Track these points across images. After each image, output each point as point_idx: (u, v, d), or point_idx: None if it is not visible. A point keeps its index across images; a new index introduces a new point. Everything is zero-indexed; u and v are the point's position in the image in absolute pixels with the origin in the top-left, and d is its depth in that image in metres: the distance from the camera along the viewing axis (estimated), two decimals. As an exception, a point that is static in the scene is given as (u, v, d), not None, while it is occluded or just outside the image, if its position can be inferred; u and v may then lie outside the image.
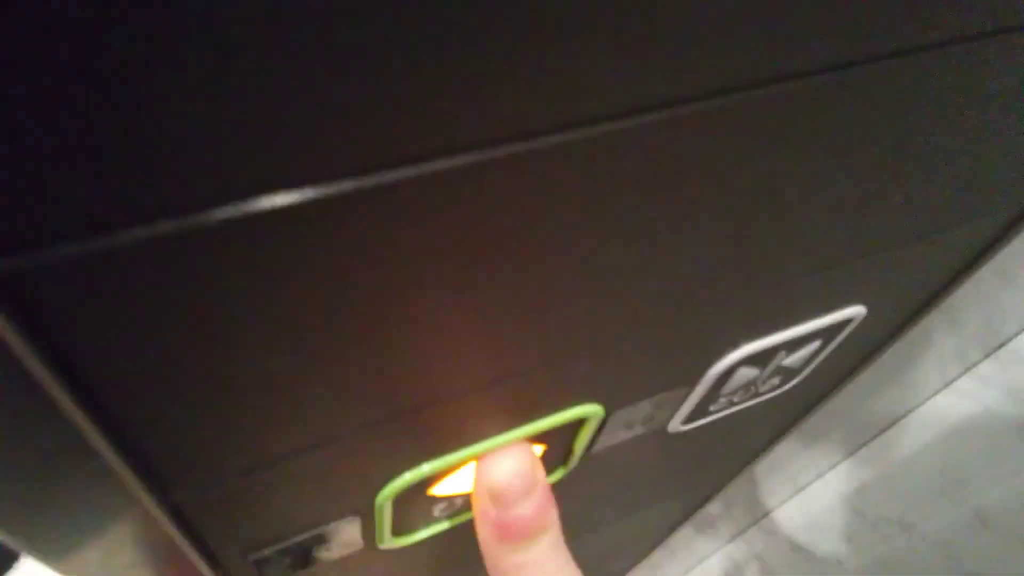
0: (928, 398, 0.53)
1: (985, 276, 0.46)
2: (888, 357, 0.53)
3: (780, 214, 0.18)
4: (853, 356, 0.34)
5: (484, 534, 0.21)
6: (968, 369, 0.50)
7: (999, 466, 0.49)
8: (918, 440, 0.55)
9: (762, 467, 0.67)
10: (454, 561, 0.33)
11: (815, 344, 0.27)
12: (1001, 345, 0.47)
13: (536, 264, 0.15)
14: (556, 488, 0.29)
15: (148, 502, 0.15)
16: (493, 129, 0.11)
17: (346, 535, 0.23)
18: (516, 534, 0.20)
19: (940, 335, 0.50)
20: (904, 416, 0.55)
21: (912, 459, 0.55)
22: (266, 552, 0.21)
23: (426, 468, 0.21)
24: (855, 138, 0.17)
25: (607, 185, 0.14)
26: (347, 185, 0.10)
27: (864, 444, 0.59)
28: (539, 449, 0.25)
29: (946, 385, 0.52)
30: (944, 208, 0.22)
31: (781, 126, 0.15)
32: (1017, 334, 0.46)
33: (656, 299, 0.19)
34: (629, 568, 0.69)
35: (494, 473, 0.20)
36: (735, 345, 0.25)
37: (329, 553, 0.23)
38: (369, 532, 0.24)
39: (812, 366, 0.29)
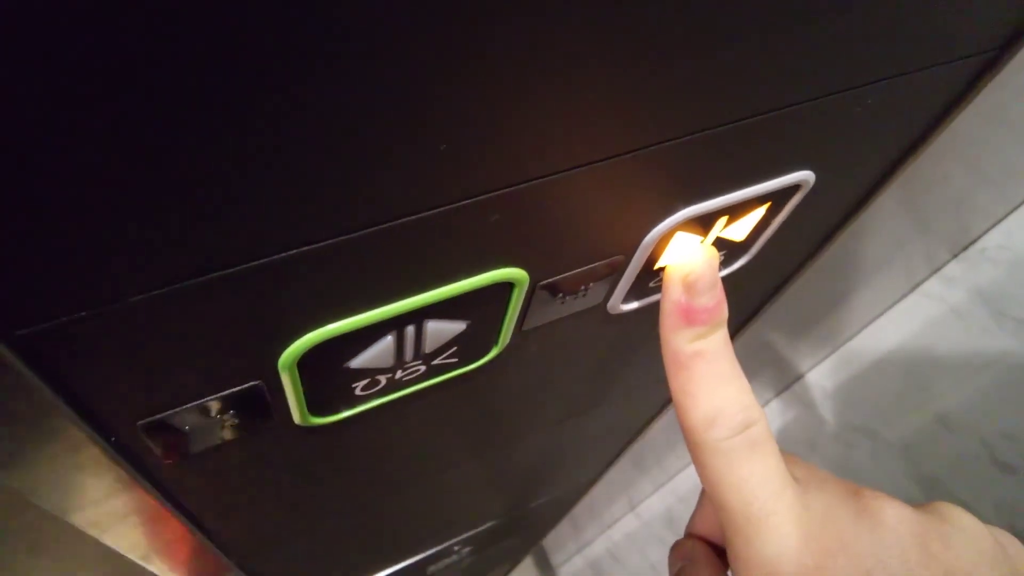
0: (895, 302, 0.52)
1: (957, 173, 0.45)
2: (854, 262, 0.52)
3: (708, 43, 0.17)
4: (807, 234, 0.32)
5: (670, 321, 0.22)
6: (936, 271, 0.49)
7: (961, 368, 0.49)
8: (883, 346, 0.54)
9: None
10: (398, 444, 0.32)
11: (759, 212, 0.25)
12: (969, 244, 0.46)
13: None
14: (496, 369, 0.27)
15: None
16: None
17: (252, 406, 0.21)
18: (699, 320, 0.22)
19: (909, 236, 0.49)
20: (870, 322, 0.55)
21: (876, 365, 0.55)
22: (158, 418, 0.19)
23: (331, 327, 0.20)
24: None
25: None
26: None
27: (829, 354, 0.59)
28: (463, 325, 0.24)
29: (913, 288, 0.51)
30: (885, 52, 0.21)
31: None
32: (985, 232, 0.45)
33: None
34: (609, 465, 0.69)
35: (691, 262, 0.22)
36: (670, 211, 0.23)
37: (238, 426, 0.22)
38: (281, 406, 0.22)
39: (761, 241, 0.28)
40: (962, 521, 0.21)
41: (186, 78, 0.11)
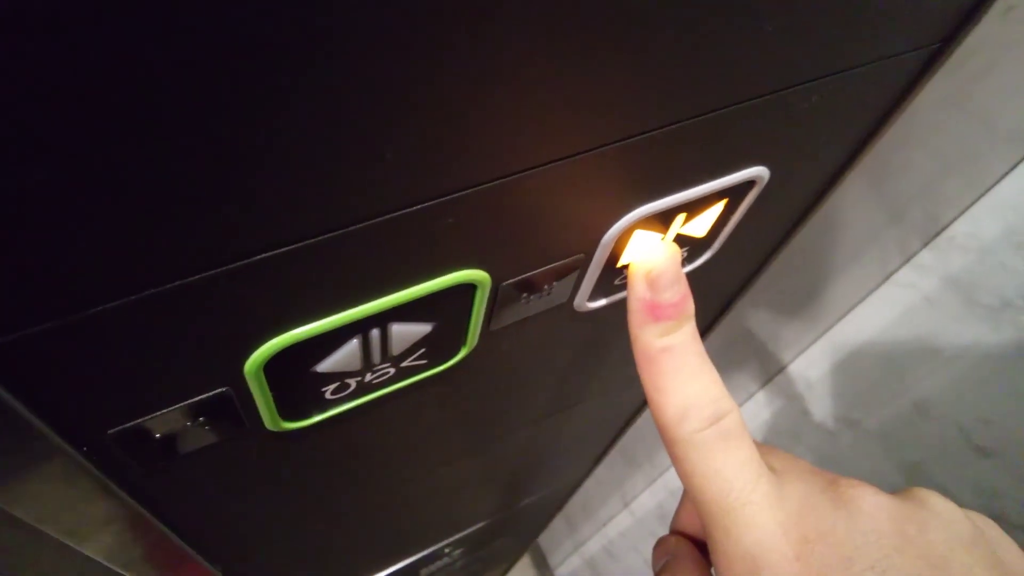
0: (870, 292, 0.53)
1: (921, 163, 0.45)
2: (828, 253, 0.53)
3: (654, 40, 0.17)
4: (771, 227, 0.33)
5: (637, 318, 0.23)
6: (908, 259, 0.50)
7: (936, 355, 0.49)
8: (860, 335, 0.55)
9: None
10: (376, 447, 0.33)
11: (717, 208, 0.26)
12: (939, 233, 0.47)
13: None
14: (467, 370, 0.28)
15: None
16: None
17: (222, 412, 0.22)
18: (664, 316, 0.23)
19: (881, 226, 0.49)
20: (847, 312, 0.55)
21: (855, 355, 0.56)
22: (128, 426, 0.20)
23: (294, 333, 0.20)
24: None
25: None
26: None
27: (810, 344, 0.60)
28: (428, 327, 0.24)
29: (887, 278, 0.51)
30: (828, 49, 0.21)
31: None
32: (954, 220, 0.46)
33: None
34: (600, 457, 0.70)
35: (653, 259, 0.23)
36: (626, 209, 0.24)
37: (210, 432, 0.23)
38: (252, 412, 0.23)
39: (723, 236, 0.28)
40: (938, 506, 0.21)
41: (149, 91, 0.12)
